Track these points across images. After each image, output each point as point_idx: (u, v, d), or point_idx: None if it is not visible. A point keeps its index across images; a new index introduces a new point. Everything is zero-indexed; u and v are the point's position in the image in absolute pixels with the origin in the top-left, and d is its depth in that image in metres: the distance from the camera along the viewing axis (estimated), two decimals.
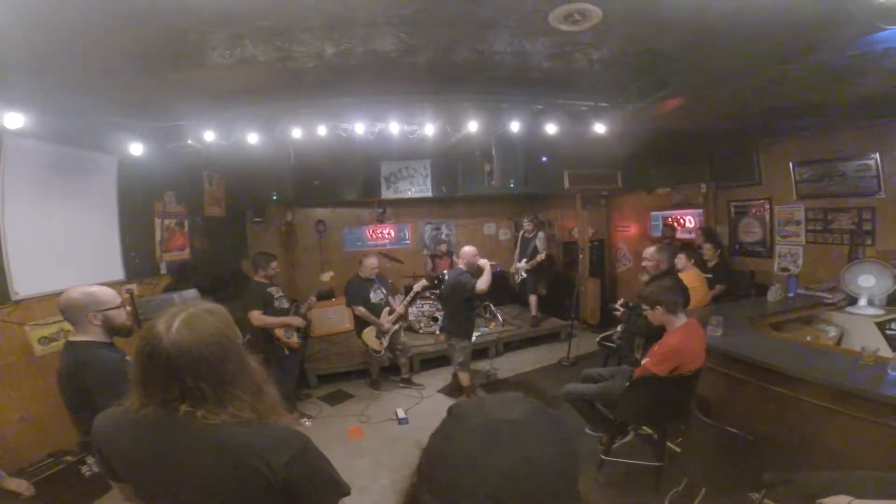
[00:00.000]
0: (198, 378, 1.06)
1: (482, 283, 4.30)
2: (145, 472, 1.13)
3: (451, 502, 0.60)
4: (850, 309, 4.11)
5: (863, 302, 4.03)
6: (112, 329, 2.00)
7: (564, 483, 0.63)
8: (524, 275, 6.46)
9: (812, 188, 4.95)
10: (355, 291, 4.86)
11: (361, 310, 4.78)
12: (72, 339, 1.98)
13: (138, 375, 1.10)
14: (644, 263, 3.91)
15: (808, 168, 4.95)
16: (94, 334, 1.96)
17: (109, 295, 2.02)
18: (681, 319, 2.92)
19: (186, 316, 1.10)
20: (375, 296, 4.91)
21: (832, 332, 4.05)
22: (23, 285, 3.14)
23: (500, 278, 6.85)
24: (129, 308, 2.16)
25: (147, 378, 1.09)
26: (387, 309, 4.92)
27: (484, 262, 4.38)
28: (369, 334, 4.84)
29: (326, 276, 4.71)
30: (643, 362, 2.94)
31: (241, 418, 1.09)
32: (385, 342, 4.87)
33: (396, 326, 4.96)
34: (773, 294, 4.59)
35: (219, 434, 1.07)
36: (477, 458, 0.61)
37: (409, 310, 5.18)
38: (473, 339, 4.82)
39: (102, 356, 1.91)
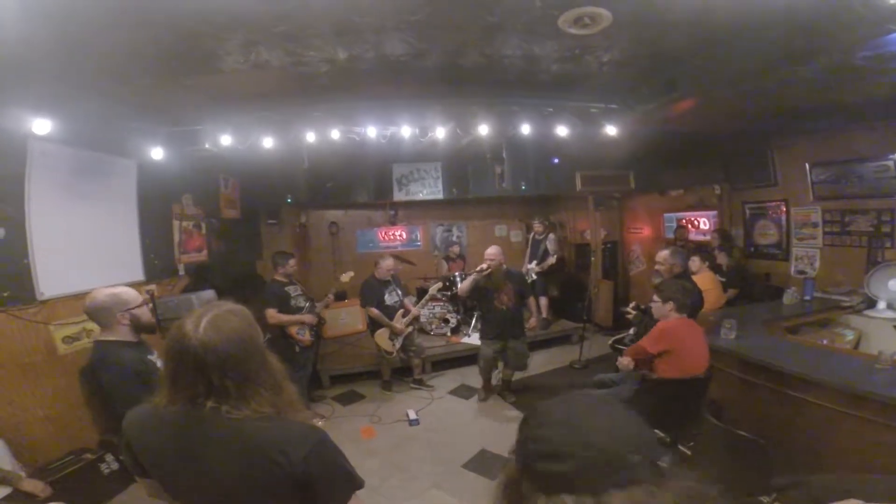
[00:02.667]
0: (223, 375, 1.10)
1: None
2: (172, 465, 1.17)
3: (561, 458, 0.71)
4: (868, 312, 4.03)
5: (881, 305, 3.96)
6: (138, 327, 2.07)
7: (648, 452, 0.72)
8: (534, 276, 6.46)
9: (829, 189, 4.86)
10: (370, 293, 4.89)
11: (375, 311, 4.82)
12: (98, 338, 2.05)
13: (167, 373, 1.15)
14: (657, 267, 3.87)
15: (824, 169, 4.87)
16: (122, 334, 2.03)
17: (132, 294, 2.09)
18: (680, 317, 2.98)
19: (213, 316, 1.14)
20: (390, 298, 4.94)
21: (850, 336, 3.97)
22: (48, 286, 3.22)
23: None
24: (151, 306, 2.23)
25: (176, 375, 1.13)
26: (401, 311, 4.96)
27: (481, 266, 4.35)
28: (382, 336, 4.87)
29: (346, 277, 4.76)
30: (639, 342, 2.97)
31: (262, 413, 1.13)
32: (397, 344, 4.90)
33: (410, 329, 4.98)
34: (789, 297, 4.52)
35: (241, 428, 1.11)
36: (578, 422, 0.74)
37: (422, 311, 5.20)
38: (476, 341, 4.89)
39: (121, 356, 1.96)
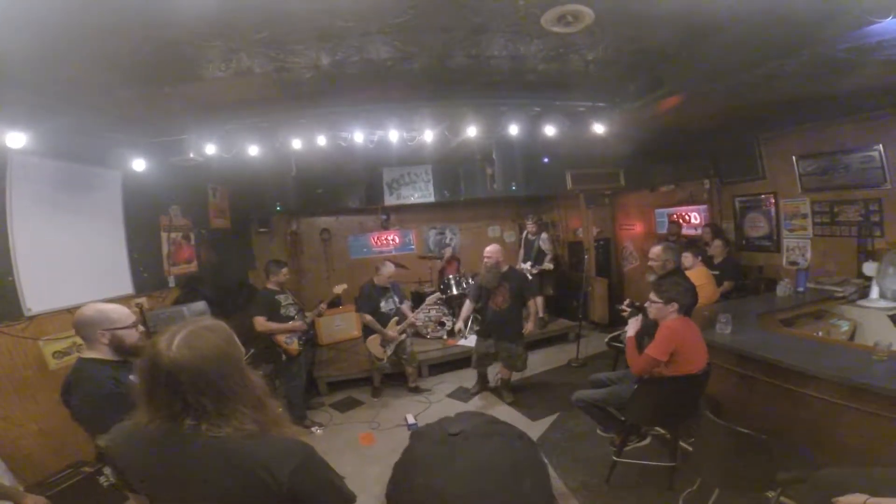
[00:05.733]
0: (198, 393, 1.08)
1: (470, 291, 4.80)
2: (157, 483, 1.16)
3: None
4: (861, 302, 4.04)
5: (874, 294, 3.96)
6: (121, 348, 1.98)
7: (519, 484, 0.66)
8: (529, 276, 6.45)
9: (817, 181, 4.89)
10: (366, 299, 4.83)
11: (368, 318, 4.76)
12: (82, 355, 1.99)
13: (143, 390, 1.13)
14: (650, 263, 3.85)
15: (811, 161, 4.90)
16: (102, 352, 1.96)
17: (122, 314, 2.01)
18: (679, 317, 2.94)
19: (186, 333, 1.12)
20: (386, 305, 4.87)
21: (845, 327, 3.97)
22: (35, 301, 3.18)
23: None
24: (142, 328, 2.12)
25: (151, 393, 1.12)
26: (395, 318, 4.91)
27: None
28: (374, 342, 4.82)
29: (339, 289, 4.73)
30: (646, 350, 2.87)
31: (244, 431, 1.11)
32: (389, 351, 4.85)
33: (403, 336, 4.94)
34: (783, 289, 4.52)
35: (224, 446, 1.09)
36: (438, 467, 0.64)
37: (417, 315, 5.16)
38: (472, 343, 5.13)
39: (95, 376, 1.88)
